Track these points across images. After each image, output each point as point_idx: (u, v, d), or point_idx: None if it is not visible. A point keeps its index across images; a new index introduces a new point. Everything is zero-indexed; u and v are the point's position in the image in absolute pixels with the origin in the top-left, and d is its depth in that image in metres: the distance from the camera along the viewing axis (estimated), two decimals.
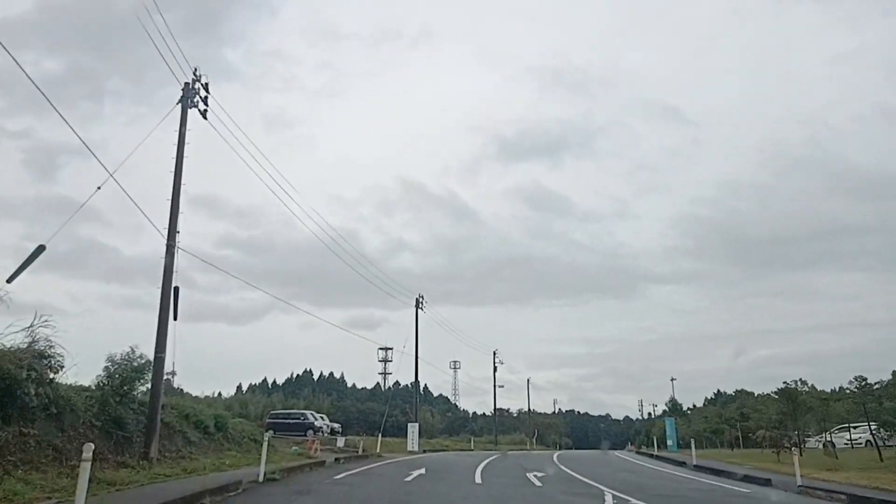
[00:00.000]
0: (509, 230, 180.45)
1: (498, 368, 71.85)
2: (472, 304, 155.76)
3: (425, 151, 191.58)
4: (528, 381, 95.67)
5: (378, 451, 30.05)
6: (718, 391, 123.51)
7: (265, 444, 15.55)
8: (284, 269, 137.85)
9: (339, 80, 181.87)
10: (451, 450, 47.49)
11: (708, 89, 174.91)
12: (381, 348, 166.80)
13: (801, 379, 52.41)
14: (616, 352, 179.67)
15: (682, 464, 26.26)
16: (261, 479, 14.59)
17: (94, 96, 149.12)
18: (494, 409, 71.42)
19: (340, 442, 33.24)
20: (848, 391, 29.29)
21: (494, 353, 71.76)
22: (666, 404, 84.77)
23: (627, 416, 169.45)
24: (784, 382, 33.70)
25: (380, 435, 32.24)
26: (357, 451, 29.77)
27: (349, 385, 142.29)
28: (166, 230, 18.01)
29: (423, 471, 19.32)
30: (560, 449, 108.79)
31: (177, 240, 17.98)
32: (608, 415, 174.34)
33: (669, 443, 52.62)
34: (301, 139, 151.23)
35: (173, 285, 17.59)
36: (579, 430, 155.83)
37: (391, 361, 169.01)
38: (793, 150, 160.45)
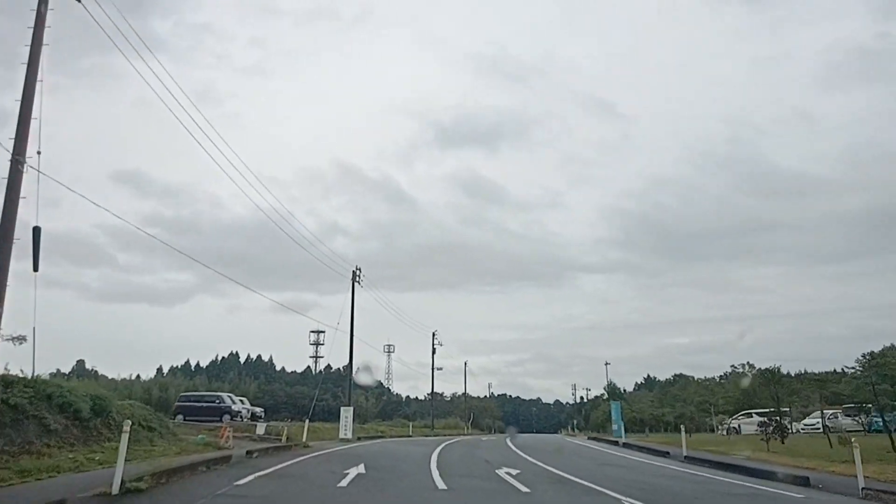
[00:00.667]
0: (444, 216, 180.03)
1: (436, 351, 67.03)
2: (406, 289, 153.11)
3: (361, 135, 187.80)
4: (465, 363, 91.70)
5: (304, 439, 24.79)
6: (649, 376, 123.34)
7: (124, 436, 10.29)
8: (213, 249, 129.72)
9: (273, 58, 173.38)
10: (389, 436, 42.57)
11: (639, 85, 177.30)
12: (313, 331, 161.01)
13: (748, 362, 50.11)
14: (545, 338, 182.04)
15: (664, 454, 22.19)
16: (115, 489, 9.32)
17: None
18: (432, 391, 67.13)
19: (261, 429, 27.77)
20: (853, 369, 26.49)
21: (433, 335, 67.27)
22: (605, 388, 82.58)
23: (558, 401, 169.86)
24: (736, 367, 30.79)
25: (307, 422, 26.83)
26: (280, 440, 24.57)
27: (278, 368, 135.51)
28: (12, 140, 12.36)
29: (361, 468, 14.32)
30: (501, 432, 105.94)
31: (26, 158, 12.32)
32: (539, 399, 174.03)
33: (615, 427, 49.35)
34: (231, 117, 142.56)
35: (34, 225, 12.08)
36: (511, 414, 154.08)
37: (323, 345, 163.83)
38: (716, 148, 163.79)
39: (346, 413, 31.71)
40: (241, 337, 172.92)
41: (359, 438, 32.56)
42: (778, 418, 24.42)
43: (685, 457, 20.06)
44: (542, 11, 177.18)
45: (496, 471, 15.00)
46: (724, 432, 33.63)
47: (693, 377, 76.03)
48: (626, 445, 27.73)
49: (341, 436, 30.78)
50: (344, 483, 11.56)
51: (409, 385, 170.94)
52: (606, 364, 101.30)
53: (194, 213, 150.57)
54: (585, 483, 12.85)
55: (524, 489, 11.60)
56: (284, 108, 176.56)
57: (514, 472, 14.66)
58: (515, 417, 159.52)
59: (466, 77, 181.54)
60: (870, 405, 27.22)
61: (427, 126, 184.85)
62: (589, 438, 41.89)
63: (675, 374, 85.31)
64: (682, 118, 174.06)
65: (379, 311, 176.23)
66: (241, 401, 38.14)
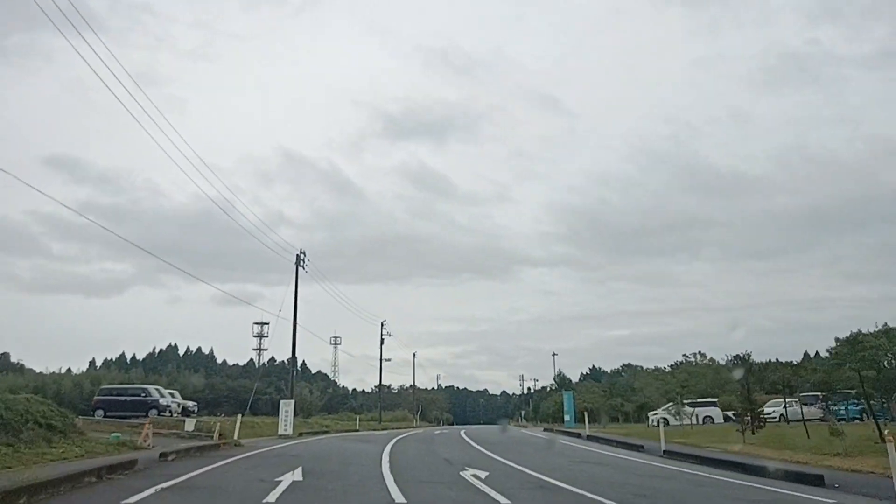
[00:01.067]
0: (393, 208, 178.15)
1: (384, 342, 64.14)
2: (354, 281, 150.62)
3: (308, 123, 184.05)
4: (413, 355, 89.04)
5: (236, 437, 21.77)
6: (594, 366, 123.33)
7: None
8: (152, 239, 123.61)
9: (217, 41, 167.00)
10: (334, 431, 39.62)
11: (584, 82, 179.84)
12: (256, 322, 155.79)
13: (699, 352, 49.42)
14: (491, 330, 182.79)
15: (638, 448, 20.04)
16: None
17: None
18: (380, 382, 64.27)
19: (190, 425, 24.52)
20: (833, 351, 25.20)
21: (382, 324, 64.36)
22: (554, 378, 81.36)
23: (504, 391, 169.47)
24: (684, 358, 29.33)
25: (239, 417, 23.64)
26: (212, 437, 21.55)
27: (220, 361, 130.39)
28: None
29: (297, 475, 11.55)
30: (443, 425, 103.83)
31: None
32: (486, 390, 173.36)
33: (567, 417, 47.76)
34: (173, 101, 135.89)
35: None
36: (458, 406, 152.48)
37: (267, 336, 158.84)
38: (656, 146, 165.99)
39: (286, 407, 28.69)
40: (180, 329, 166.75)
41: (300, 434, 29.62)
42: (752, 408, 22.70)
43: (664, 451, 17.98)
44: (490, 6, 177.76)
45: (461, 473, 12.45)
46: (655, 423, 32.40)
47: (642, 367, 75.68)
48: (591, 438, 25.62)
49: (280, 432, 27.80)
50: (271, 498, 8.80)
51: (357, 378, 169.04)
52: (554, 355, 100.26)
53: (132, 200, 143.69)
54: (572, 489, 10.42)
55: (502, 500, 9.10)
56: (229, 94, 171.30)
57: (482, 474, 12.14)
58: (462, 409, 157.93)
59: (415, 69, 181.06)
60: (838, 392, 26.20)
61: (376, 116, 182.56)
62: (546, 430, 39.83)
63: (624, 365, 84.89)
64: (624, 115, 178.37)
65: (326, 304, 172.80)
66: (171, 394, 34.59)
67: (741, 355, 24.98)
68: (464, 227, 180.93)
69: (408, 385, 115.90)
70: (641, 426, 39.18)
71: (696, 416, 35.43)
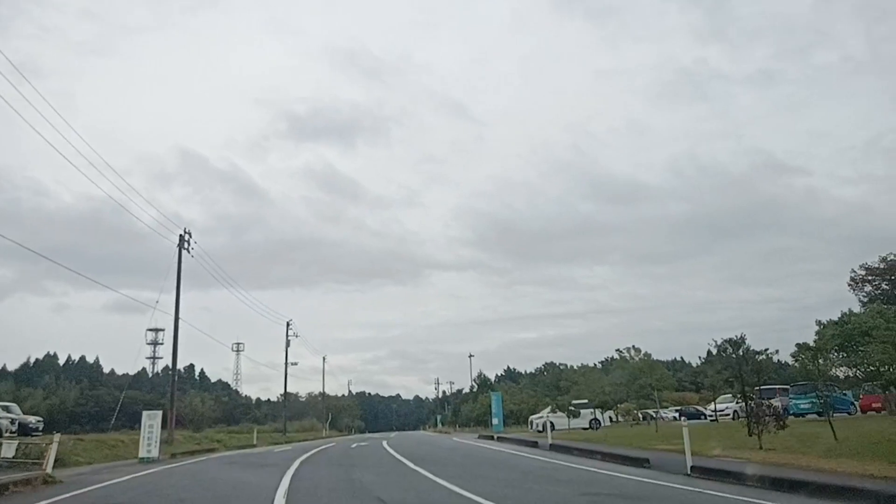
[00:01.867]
0: (299, 211, 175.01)
1: (290, 343, 56.36)
2: (258, 287, 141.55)
3: (208, 122, 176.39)
4: (323, 359, 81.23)
5: (49, 467, 14.26)
6: (509, 367, 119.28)
7: None
8: (34, 242, 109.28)
9: (110, 33, 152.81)
10: (226, 447, 32.00)
11: (491, 90, 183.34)
12: (150, 329, 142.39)
13: (633, 346, 44.80)
14: (401, 335, 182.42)
15: (639, 462, 14.14)
16: None
17: None
18: (285, 389, 56.25)
19: (8, 450, 16.78)
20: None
21: (288, 325, 56.57)
22: (474, 380, 75.84)
23: (417, 396, 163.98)
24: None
25: (57, 437, 15.74)
26: (42, 466, 14.12)
27: (106, 371, 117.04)
28: None
29: None
30: (355, 433, 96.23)
31: None
32: (398, 395, 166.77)
33: (495, 421, 42.09)
34: (59, 96, 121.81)
35: None
36: (370, 413, 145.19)
37: (162, 344, 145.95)
38: (559, 154, 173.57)
39: (151, 420, 21.08)
40: (65, 338, 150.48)
41: (173, 456, 22.14)
42: (759, 402, 17.56)
43: (692, 468, 12.20)
44: (399, 11, 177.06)
45: None
46: (540, 428, 28.09)
47: (567, 365, 71.95)
48: (559, 448, 19.71)
49: (142, 454, 20.29)
50: None
51: (262, 387, 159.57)
52: (470, 356, 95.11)
53: (12, 200, 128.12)
54: None
55: None
56: (122, 89, 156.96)
57: None
58: (374, 416, 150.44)
59: (322, 69, 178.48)
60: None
61: (280, 116, 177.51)
62: (481, 437, 33.68)
63: (546, 363, 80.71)
64: (529, 123, 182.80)
65: (229, 311, 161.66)
66: (4, 408, 26.19)
67: (735, 339, 20.28)
68: (374, 232, 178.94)
69: (317, 392, 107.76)
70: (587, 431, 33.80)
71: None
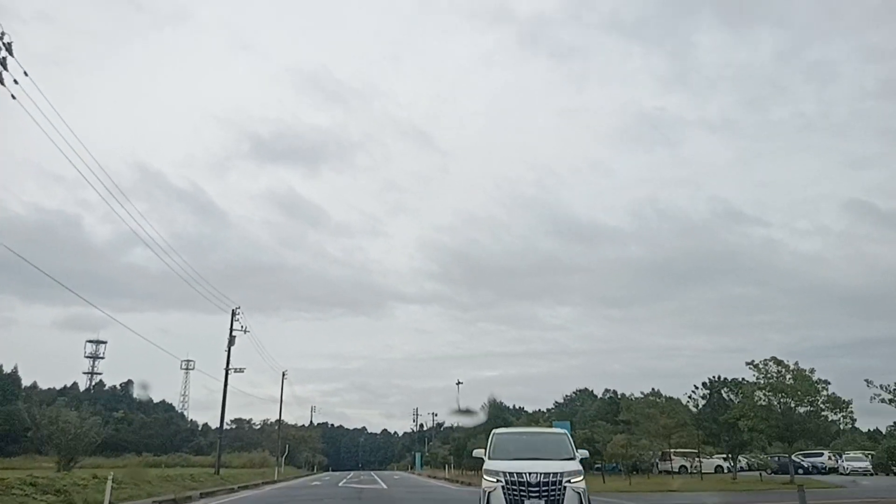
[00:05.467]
0: (260, 235, 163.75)
1: (234, 341, 38.84)
2: (214, 311, 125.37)
3: (168, 138, 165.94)
4: (283, 374, 63.41)
5: None
6: (495, 400, 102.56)
7: None
8: None
9: (68, 41, 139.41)
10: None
11: (457, 123, 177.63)
12: (90, 340, 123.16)
13: (774, 357, 30.02)
14: (362, 368, 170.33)
15: None
16: None
17: None
18: (223, 406, 37.97)
19: None
20: None
21: (234, 312, 39.20)
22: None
23: (386, 430, 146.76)
24: None
25: None
26: None
27: (27, 384, 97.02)
28: None
29: None
30: (323, 469, 78.65)
31: None
32: (364, 428, 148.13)
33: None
34: (8, 102, 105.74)
35: None
36: (333, 446, 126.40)
37: (103, 358, 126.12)
38: (523, 191, 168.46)
39: None
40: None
41: None
42: None
43: None
44: (367, 39, 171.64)
45: None
46: None
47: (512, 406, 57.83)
48: None
49: None
50: None
51: (214, 414, 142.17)
52: (458, 383, 78.28)
53: None
54: None
55: None
56: (79, 99, 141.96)
57: None
58: (337, 449, 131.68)
59: (286, 92, 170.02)
60: None
61: (243, 137, 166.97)
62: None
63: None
64: (494, 158, 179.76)
65: (181, 331, 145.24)
66: None
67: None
68: (336, 259, 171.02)
69: (273, 420, 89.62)
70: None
71: None
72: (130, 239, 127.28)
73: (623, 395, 44.54)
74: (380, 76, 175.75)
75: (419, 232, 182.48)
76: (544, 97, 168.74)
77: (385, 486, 28.70)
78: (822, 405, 26.28)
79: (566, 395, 58.38)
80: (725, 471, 38.18)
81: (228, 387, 38.67)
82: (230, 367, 38.80)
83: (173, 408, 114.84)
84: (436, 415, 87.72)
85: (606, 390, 48.52)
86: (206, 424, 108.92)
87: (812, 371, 26.60)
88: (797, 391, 25.82)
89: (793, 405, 26.38)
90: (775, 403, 26.72)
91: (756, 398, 27.15)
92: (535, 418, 55.32)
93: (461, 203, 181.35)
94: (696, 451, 34.19)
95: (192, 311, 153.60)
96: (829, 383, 26.22)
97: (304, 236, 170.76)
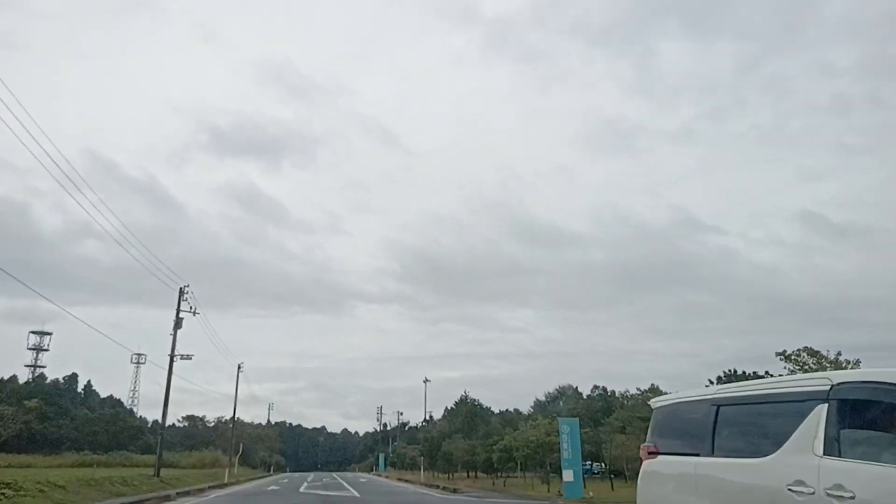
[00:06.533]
0: (217, 229, 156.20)
1: (182, 322, 33.55)
2: (165, 305, 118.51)
3: (123, 127, 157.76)
4: (238, 367, 57.86)
5: None
6: (461, 399, 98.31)
7: None
8: None
9: (23, 23, 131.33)
10: None
11: (423, 123, 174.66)
12: (34, 332, 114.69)
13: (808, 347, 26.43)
14: (321, 367, 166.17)
15: None
16: None
17: None
18: (167, 395, 32.55)
19: None
20: None
21: (182, 291, 33.89)
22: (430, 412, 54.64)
23: (346, 430, 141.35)
24: None
25: None
26: None
27: None
28: None
29: None
30: (281, 470, 73.36)
31: None
32: (324, 427, 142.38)
33: (568, 474, 21.56)
34: None
35: None
36: (291, 446, 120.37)
37: (47, 350, 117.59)
38: (488, 192, 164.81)
39: None
40: None
41: None
42: None
43: None
44: (334, 35, 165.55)
45: None
46: None
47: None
48: None
49: None
50: None
51: (171, 411, 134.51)
52: (426, 381, 73.92)
53: None
54: None
55: None
56: (33, 84, 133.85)
57: None
58: (296, 449, 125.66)
59: (248, 84, 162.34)
60: None
61: (202, 127, 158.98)
62: None
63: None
64: (459, 159, 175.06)
65: (135, 326, 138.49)
66: None
67: None
68: (296, 257, 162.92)
69: (228, 418, 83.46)
70: None
71: None
72: (82, 229, 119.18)
73: (614, 392, 40.62)
74: (346, 73, 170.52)
75: (382, 231, 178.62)
76: (510, 99, 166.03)
77: (357, 494, 23.97)
78: None
79: (548, 393, 54.76)
80: None
81: (181, 382, 33.44)
82: (176, 353, 33.56)
83: (122, 403, 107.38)
84: (402, 413, 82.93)
85: (595, 387, 44.95)
86: (156, 422, 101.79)
87: (857, 364, 22.86)
88: None
89: None
90: None
91: None
92: (512, 419, 51.20)
93: (425, 203, 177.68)
94: None
95: (146, 305, 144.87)
96: None
97: (263, 232, 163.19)
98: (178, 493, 23.29)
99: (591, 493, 20.82)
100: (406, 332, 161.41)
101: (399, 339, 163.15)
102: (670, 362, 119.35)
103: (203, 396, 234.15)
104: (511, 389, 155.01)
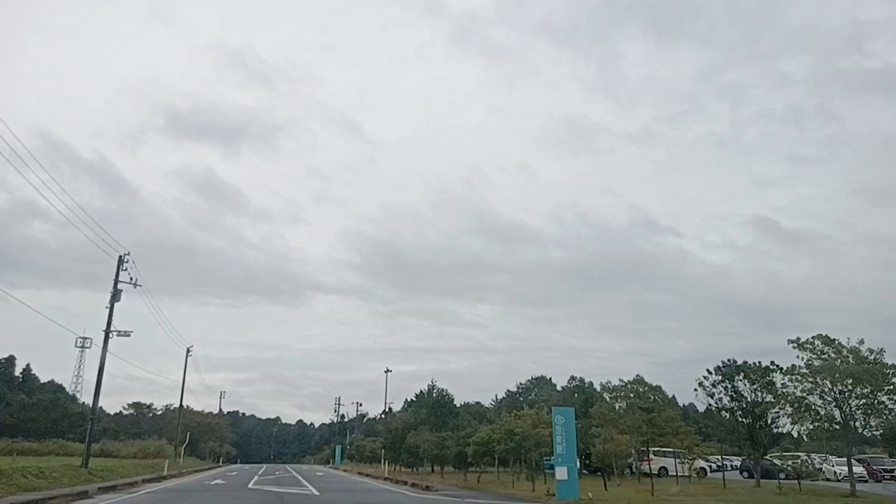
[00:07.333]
0: (172, 214, 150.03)
1: (119, 296, 29.47)
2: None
3: (75, 106, 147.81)
4: (187, 351, 53.54)
5: None
6: (422, 390, 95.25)
7: None
8: None
9: None
10: None
11: (387, 116, 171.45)
12: None
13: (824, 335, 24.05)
14: (277, 358, 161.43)
15: None
16: None
17: None
18: (99, 375, 28.55)
19: None
20: None
21: (121, 259, 29.83)
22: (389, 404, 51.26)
23: (301, 421, 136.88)
24: None
25: None
26: None
27: None
28: None
29: None
30: (231, 461, 69.28)
31: None
32: (279, 418, 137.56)
33: (562, 473, 18.54)
34: None
35: None
36: (243, 437, 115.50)
37: None
38: (450, 187, 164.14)
39: None
40: None
41: None
42: None
43: None
44: (299, 23, 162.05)
45: None
46: None
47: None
48: None
49: None
50: None
51: (116, 400, 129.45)
52: (387, 371, 70.57)
53: None
54: None
55: None
56: None
57: None
58: (248, 441, 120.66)
59: (208, 67, 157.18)
60: None
61: (158, 109, 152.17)
62: None
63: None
64: (423, 153, 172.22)
65: (82, 310, 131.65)
66: None
67: None
68: (253, 245, 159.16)
69: (176, 406, 78.81)
70: None
71: None
72: (29, 210, 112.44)
73: (591, 383, 38.03)
74: (310, 61, 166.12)
75: (342, 222, 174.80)
76: (475, 95, 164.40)
77: (314, 492, 20.48)
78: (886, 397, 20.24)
79: (520, 383, 52.06)
80: (707, 473, 32.58)
81: (132, 369, 29.37)
82: (112, 329, 29.48)
83: (63, 389, 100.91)
84: (360, 404, 79.34)
85: (573, 377, 42.38)
86: (100, 408, 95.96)
87: (881, 352, 20.48)
88: (873, 376, 19.56)
89: (858, 396, 20.18)
90: (830, 392, 20.51)
91: (803, 387, 20.81)
92: (479, 412, 48.25)
93: (387, 195, 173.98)
94: (679, 450, 27.89)
95: (96, 290, 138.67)
96: None
97: (220, 219, 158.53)
98: (100, 489, 19.50)
99: (589, 494, 17.86)
100: (364, 325, 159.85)
101: (357, 331, 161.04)
102: (625, 361, 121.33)
103: (154, 384, 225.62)
104: (469, 384, 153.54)
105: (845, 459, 31.32)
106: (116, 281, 29.92)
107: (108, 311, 29.48)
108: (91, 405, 35.08)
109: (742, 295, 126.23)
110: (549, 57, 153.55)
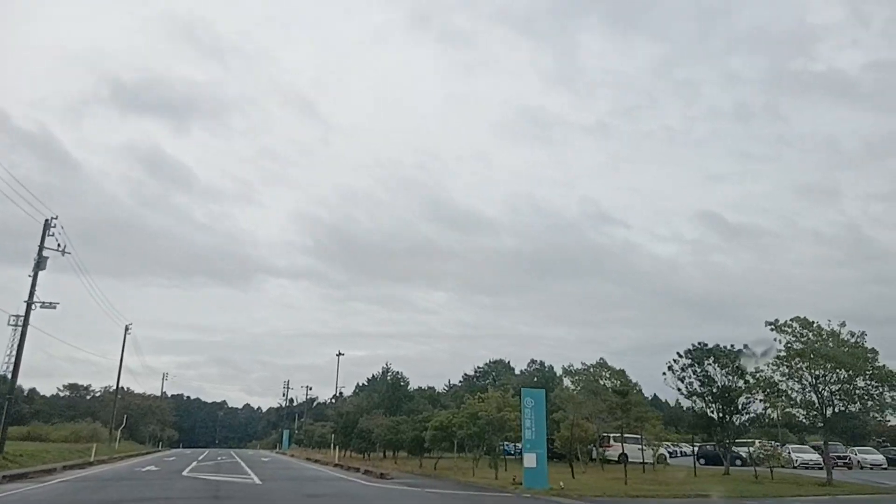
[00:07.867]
0: (117, 191, 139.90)
1: (44, 261, 26.52)
2: (57, 269, 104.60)
3: (12, 75, 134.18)
4: (126, 328, 50.12)
5: None
6: (374, 375, 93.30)
7: None
8: None
9: None
10: None
11: (343, 97, 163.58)
12: None
13: (802, 317, 23.02)
14: (224, 341, 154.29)
15: None
16: None
17: None
18: (20, 345, 25.59)
19: None
20: None
21: (47, 223, 26.85)
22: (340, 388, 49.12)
23: (249, 405, 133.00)
24: None
25: None
26: None
27: None
28: None
29: None
30: (173, 445, 66.15)
31: None
32: (225, 402, 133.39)
33: (531, 461, 16.88)
34: None
35: None
36: (187, 420, 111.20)
37: None
38: (406, 172, 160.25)
39: None
40: None
41: None
42: None
43: None
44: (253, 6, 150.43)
45: None
46: None
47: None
48: None
49: None
50: None
51: (55, 382, 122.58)
52: (339, 354, 68.09)
53: None
54: None
55: None
56: None
57: None
58: (193, 425, 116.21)
59: (157, 37, 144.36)
60: None
61: (103, 81, 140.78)
62: None
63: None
64: (378, 137, 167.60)
65: (17, 288, 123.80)
66: None
67: None
68: (202, 225, 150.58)
69: (114, 387, 74.60)
70: None
71: None
72: None
73: (551, 367, 36.80)
74: (265, 38, 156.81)
75: (294, 204, 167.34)
76: (432, 81, 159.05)
77: (256, 481, 18.38)
78: (867, 382, 19.40)
79: (477, 367, 50.68)
80: (667, 460, 31.86)
81: (70, 350, 26.36)
82: (35, 300, 26.49)
83: None
84: (310, 388, 76.79)
85: (532, 361, 41.17)
86: (32, 390, 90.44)
87: (863, 335, 19.59)
88: (853, 360, 18.61)
89: (835, 381, 19.25)
90: (807, 377, 19.55)
91: (783, 371, 19.80)
92: (435, 396, 46.62)
93: (341, 178, 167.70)
94: (647, 436, 26.82)
95: (22, 267, 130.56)
96: (878, 353, 19.41)
97: (167, 197, 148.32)
98: (6, 477, 16.93)
99: (561, 483, 16.32)
100: (315, 309, 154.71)
101: (308, 315, 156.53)
102: (574, 349, 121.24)
103: (96, 366, 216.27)
104: (421, 370, 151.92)
105: (803, 447, 30.51)
106: (42, 247, 26.94)
107: (30, 279, 26.45)
108: (21, 386, 31.86)
109: (688, 287, 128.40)
110: (509, 45, 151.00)
